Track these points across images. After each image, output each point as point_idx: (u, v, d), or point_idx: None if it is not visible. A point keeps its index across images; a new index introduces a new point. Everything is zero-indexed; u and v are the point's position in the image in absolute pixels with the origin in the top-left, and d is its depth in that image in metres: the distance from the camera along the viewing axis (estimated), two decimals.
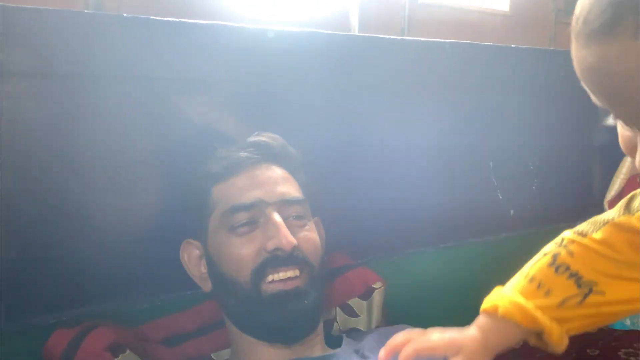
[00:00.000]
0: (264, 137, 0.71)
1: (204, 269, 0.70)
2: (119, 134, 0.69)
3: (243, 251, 0.64)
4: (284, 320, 0.64)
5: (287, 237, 0.63)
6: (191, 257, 0.71)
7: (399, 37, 0.95)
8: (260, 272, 0.64)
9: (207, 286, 0.70)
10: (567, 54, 1.20)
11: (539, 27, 1.20)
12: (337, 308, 0.77)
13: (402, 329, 0.71)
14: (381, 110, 0.92)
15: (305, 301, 0.64)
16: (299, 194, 0.69)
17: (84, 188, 0.68)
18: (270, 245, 0.63)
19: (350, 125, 0.89)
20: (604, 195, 1.21)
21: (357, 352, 0.66)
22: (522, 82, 1.08)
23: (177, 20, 0.70)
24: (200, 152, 0.71)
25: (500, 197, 1.06)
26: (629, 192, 1.21)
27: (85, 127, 0.67)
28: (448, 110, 0.99)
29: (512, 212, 1.08)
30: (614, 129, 1.29)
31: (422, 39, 0.96)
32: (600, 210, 1.20)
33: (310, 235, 0.69)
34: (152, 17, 0.69)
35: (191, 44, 0.72)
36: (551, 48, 1.19)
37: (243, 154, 0.69)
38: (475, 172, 1.03)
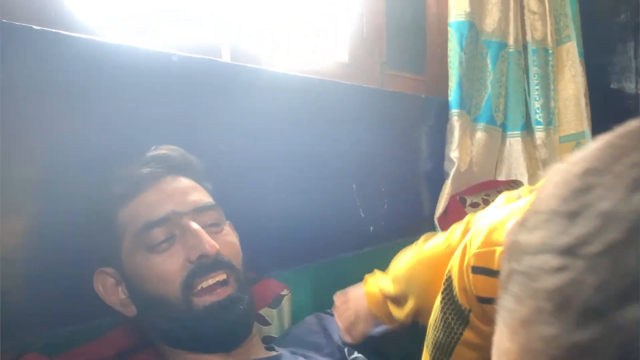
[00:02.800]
0: (163, 150, 0.70)
1: (123, 295, 0.66)
2: (9, 159, 0.64)
3: (167, 267, 0.62)
4: (222, 330, 0.63)
5: (209, 242, 0.62)
6: (106, 285, 0.67)
7: (274, 71, 1.04)
8: (188, 283, 0.62)
9: (130, 311, 0.67)
10: (396, 95, 1.43)
11: (370, 76, 1.43)
12: None
13: (311, 321, 0.78)
14: (255, 139, 0.99)
15: (241, 306, 0.64)
16: (210, 199, 0.69)
17: None
18: (194, 254, 0.62)
19: (227, 146, 0.93)
20: (433, 213, 1.45)
21: (293, 353, 0.70)
22: (371, 118, 1.26)
23: (53, 31, 0.69)
24: (98, 174, 0.69)
25: (362, 215, 1.21)
26: (452, 209, 1.48)
27: None
28: (318, 138, 1.11)
29: (371, 228, 1.23)
30: (437, 156, 1.56)
31: (295, 74, 1.08)
32: (432, 226, 1.44)
33: (229, 239, 0.69)
34: (40, 28, 0.66)
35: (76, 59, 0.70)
36: (384, 89, 1.41)
37: (145, 170, 0.67)
38: (343, 193, 1.16)
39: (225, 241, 0.67)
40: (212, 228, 0.67)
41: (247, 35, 1.10)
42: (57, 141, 0.68)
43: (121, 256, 0.65)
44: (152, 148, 0.69)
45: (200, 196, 0.68)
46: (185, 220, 0.64)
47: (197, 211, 0.66)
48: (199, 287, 0.63)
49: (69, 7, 0.75)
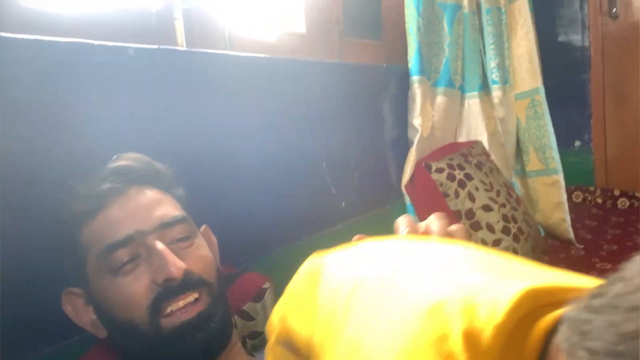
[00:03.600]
0: (124, 161, 0.64)
1: (93, 315, 0.63)
2: None
3: (133, 290, 0.58)
4: (193, 350, 0.59)
5: (175, 264, 0.58)
6: (75, 305, 0.63)
7: (232, 53, 0.99)
8: (155, 307, 0.58)
9: (101, 333, 0.63)
10: (356, 67, 1.41)
11: (329, 46, 1.40)
12: (235, 316, 0.79)
13: None
14: (224, 122, 0.96)
15: (212, 325, 0.60)
16: (179, 211, 0.64)
17: None
18: (160, 277, 0.58)
19: (196, 136, 0.89)
20: (400, 181, 1.46)
21: None
22: (333, 92, 1.24)
23: None
24: (60, 191, 0.63)
25: (334, 192, 1.20)
26: (419, 177, 1.49)
27: None
28: (283, 119, 1.09)
29: (343, 204, 1.24)
30: (401, 125, 1.57)
31: (253, 55, 1.04)
32: (399, 194, 1.45)
33: (200, 253, 0.64)
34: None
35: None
36: (344, 61, 1.39)
37: (105, 186, 0.61)
38: (314, 172, 1.15)
39: (196, 256, 0.63)
40: (182, 243, 0.62)
41: None
42: (11, 156, 0.63)
43: (87, 277, 0.61)
44: (113, 158, 0.64)
45: (167, 209, 0.63)
46: (150, 240, 0.59)
47: (163, 227, 0.61)
48: (168, 310, 0.59)
49: None
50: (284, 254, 1.04)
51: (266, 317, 0.80)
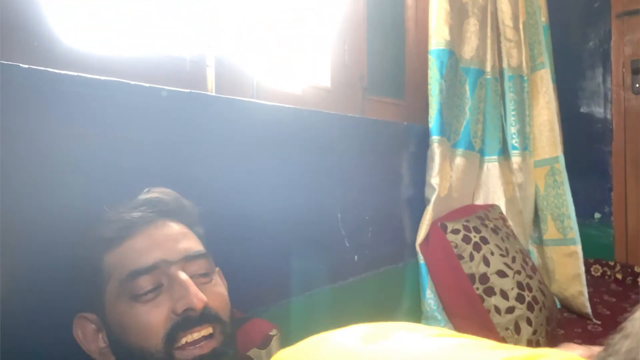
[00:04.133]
0: (155, 193, 0.67)
1: (103, 344, 0.63)
2: None
3: (151, 318, 0.59)
4: None
5: (197, 296, 0.59)
6: (86, 332, 0.64)
7: (254, 101, 1.03)
8: (171, 336, 0.59)
9: None
10: (378, 123, 1.43)
11: (352, 101, 1.44)
12: None
13: None
14: (244, 168, 0.98)
15: None
16: (201, 247, 0.66)
17: None
18: (181, 307, 0.59)
19: (217, 180, 0.92)
20: (414, 239, 1.46)
21: None
22: (353, 146, 1.26)
23: (65, 73, 0.67)
24: (87, 216, 0.66)
25: (347, 245, 1.20)
26: (434, 236, 1.49)
27: None
28: (302, 168, 1.10)
29: (356, 257, 1.23)
30: (419, 183, 1.58)
31: (279, 105, 1.07)
32: (414, 252, 1.44)
33: (218, 290, 0.65)
34: (27, 67, 0.63)
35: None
36: (366, 117, 1.42)
37: (136, 214, 0.63)
38: (328, 223, 1.15)
39: (214, 292, 0.64)
40: (202, 278, 0.64)
41: (232, 47, 1.11)
42: (46, 181, 0.65)
43: (104, 302, 0.62)
44: (145, 190, 0.67)
45: (191, 244, 0.65)
46: (173, 270, 0.61)
47: (187, 260, 0.63)
48: (183, 341, 0.59)
49: (47, 18, 0.73)
50: (293, 304, 1.03)
51: None
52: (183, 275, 0.61)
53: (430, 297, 1.42)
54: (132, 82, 0.74)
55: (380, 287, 1.30)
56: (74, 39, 0.78)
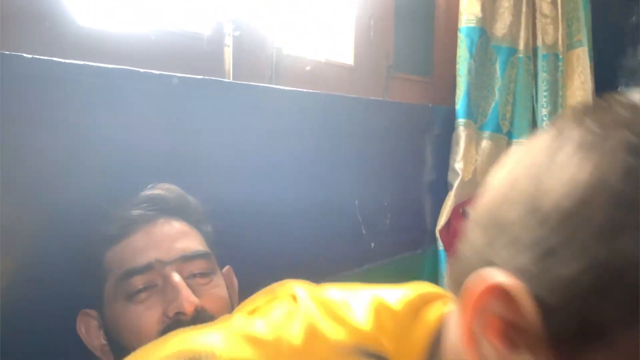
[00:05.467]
0: (158, 190, 0.65)
1: (104, 341, 0.63)
2: None
3: (143, 320, 0.58)
4: None
5: (188, 299, 0.58)
6: (89, 328, 0.63)
7: (273, 86, 0.99)
8: None
9: (109, 359, 0.63)
10: (402, 106, 1.39)
11: (375, 79, 1.39)
12: None
13: None
14: (260, 157, 0.95)
15: None
16: (202, 247, 0.65)
17: None
18: (172, 310, 0.58)
19: (231, 171, 0.89)
20: (435, 226, 1.42)
21: None
22: (375, 130, 1.22)
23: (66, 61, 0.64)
24: (92, 211, 0.64)
25: (364, 232, 1.18)
26: (455, 222, 1.45)
27: None
28: (319, 155, 1.07)
29: (372, 244, 1.21)
30: (441, 167, 1.53)
31: (298, 90, 1.03)
32: (433, 239, 1.41)
33: (217, 291, 0.63)
34: (31, 57, 0.61)
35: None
36: (390, 100, 1.37)
37: (136, 212, 0.63)
38: (345, 210, 1.13)
39: (212, 294, 0.62)
40: (200, 279, 0.62)
41: (252, 23, 1.07)
42: (47, 175, 0.64)
43: (103, 300, 0.62)
44: (149, 186, 0.65)
45: (190, 243, 0.63)
46: (168, 270, 0.60)
47: (184, 260, 0.61)
48: None
49: None
50: None
51: None
52: (176, 277, 0.59)
53: (448, 285, 1.39)
54: (142, 70, 0.71)
55: (397, 274, 1.28)
56: (86, 18, 0.75)
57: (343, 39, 1.41)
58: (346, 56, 1.44)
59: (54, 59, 0.62)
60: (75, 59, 0.64)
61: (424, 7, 1.56)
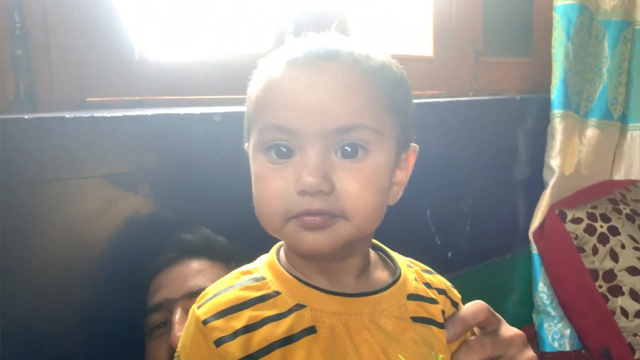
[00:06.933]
0: (185, 234, 0.70)
1: None
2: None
3: (157, 355, 0.64)
4: None
5: (175, 335, 0.61)
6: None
7: None
8: None
9: None
10: (487, 102, 1.27)
11: (460, 68, 1.29)
12: None
13: None
14: None
15: None
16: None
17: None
18: (173, 345, 0.60)
19: None
20: (528, 228, 1.31)
21: None
22: (451, 131, 1.14)
23: (116, 115, 0.69)
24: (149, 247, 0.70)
25: (439, 242, 1.12)
26: (550, 225, 1.32)
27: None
28: None
29: (449, 254, 1.15)
30: (534, 163, 1.39)
31: None
32: (527, 241, 1.30)
33: None
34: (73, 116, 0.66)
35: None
36: (474, 97, 1.27)
37: (166, 256, 0.68)
38: (414, 223, 1.08)
39: None
40: None
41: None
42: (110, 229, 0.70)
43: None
44: (181, 229, 0.70)
45: (200, 281, 0.65)
46: (175, 307, 0.64)
47: (190, 296, 0.64)
48: None
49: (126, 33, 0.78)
50: None
51: None
52: (176, 314, 0.63)
53: (542, 291, 1.29)
54: (182, 112, 0.74)
55: (483, 282, 1.21)
56: (151, 52, 0.81)
57: (419, 30, 1.33)
58: (424, 47, 1.35)
59: (101, 114, 0.67)
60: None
61: None
